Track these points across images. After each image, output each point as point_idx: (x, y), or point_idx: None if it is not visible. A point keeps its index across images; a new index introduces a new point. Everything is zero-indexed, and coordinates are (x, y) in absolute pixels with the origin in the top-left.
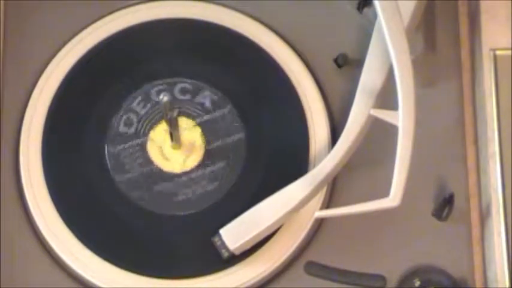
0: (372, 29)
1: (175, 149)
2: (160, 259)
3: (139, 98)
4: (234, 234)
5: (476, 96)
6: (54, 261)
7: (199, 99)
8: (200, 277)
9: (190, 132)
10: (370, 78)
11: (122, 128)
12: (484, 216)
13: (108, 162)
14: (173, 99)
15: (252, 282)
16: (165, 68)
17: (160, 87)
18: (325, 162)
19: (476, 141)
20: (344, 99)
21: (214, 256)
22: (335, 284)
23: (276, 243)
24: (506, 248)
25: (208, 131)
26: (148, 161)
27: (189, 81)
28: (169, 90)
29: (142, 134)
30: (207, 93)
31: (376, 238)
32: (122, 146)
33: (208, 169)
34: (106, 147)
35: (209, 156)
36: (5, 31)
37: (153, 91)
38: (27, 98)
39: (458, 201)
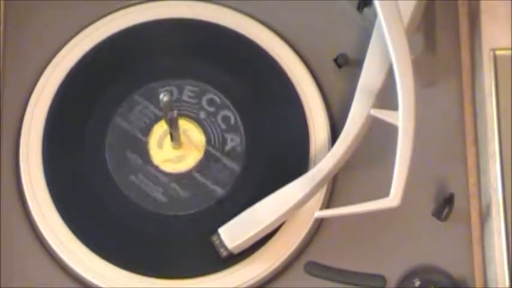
0: (372, 29)
1: (176, 149)
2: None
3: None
4: (233, 233)
5: (476, 96)
6: (54, 261)
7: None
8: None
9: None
10: (370, 78)
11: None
12: (484, 216)
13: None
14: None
15: (252, 282)
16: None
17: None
18: (325, 161)
19: (476, 141)
20: (344, 99)
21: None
22: (335, 284)
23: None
24: (506, 248)
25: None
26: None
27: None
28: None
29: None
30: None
31: (376, 238)
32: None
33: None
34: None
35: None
36: (5, 31)
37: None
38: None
39: (458, 201)
